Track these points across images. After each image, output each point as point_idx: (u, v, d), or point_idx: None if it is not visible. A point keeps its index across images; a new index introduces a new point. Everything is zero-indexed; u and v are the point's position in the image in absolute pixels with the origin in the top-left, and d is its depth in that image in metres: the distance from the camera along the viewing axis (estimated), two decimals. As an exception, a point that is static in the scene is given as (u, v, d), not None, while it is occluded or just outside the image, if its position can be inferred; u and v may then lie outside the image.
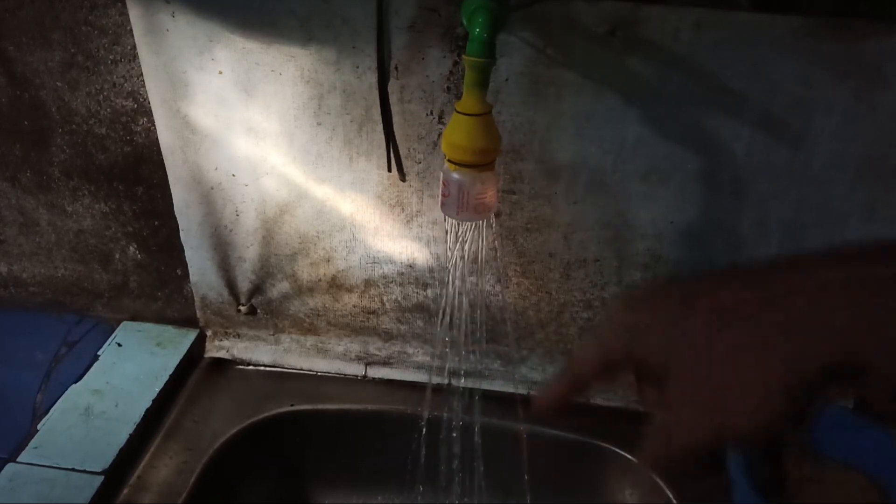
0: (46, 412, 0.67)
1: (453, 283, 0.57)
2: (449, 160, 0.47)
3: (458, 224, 0.52)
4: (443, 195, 0.49)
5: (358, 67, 0.57)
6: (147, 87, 0.61)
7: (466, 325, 0.63)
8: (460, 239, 0.53)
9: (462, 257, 0.54)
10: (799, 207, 0.59)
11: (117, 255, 0.75)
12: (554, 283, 0.66)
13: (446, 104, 0.57)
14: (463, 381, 0.73)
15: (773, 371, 0.26)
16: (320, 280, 0.71)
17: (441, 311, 0.60)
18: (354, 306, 0.72)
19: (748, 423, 0.27)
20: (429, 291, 0.69)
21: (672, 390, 0.28)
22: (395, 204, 0.64)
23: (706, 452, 0.30)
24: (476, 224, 0.53)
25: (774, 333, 0.25)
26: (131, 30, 0.59)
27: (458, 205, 0.48)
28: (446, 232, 0.55)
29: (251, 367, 0.76)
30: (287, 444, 0.72)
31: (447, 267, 0.55)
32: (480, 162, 0.47)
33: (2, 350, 0.75)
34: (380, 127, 0.59)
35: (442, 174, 0.49)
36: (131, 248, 0.74)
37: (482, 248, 0.64)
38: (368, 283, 0.70)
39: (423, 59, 0.56)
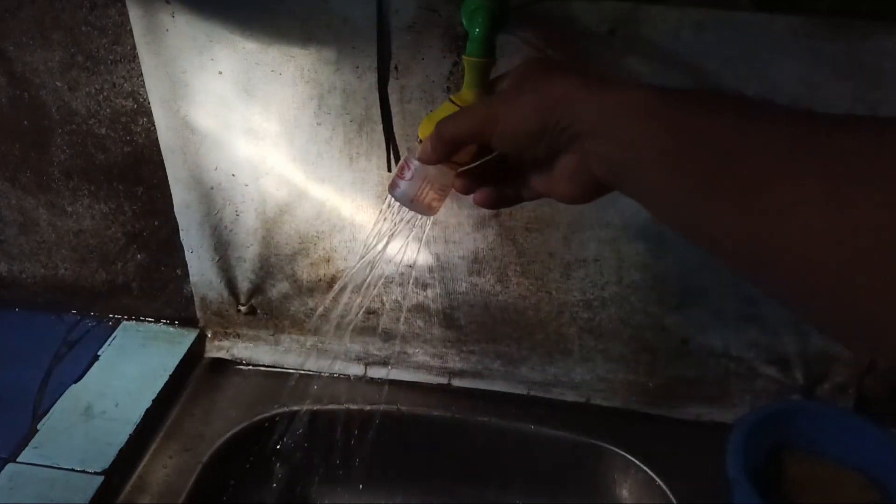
0: (46, 412, 0.67)
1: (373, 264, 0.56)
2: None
3: (398, 211, 0.49)
4: (398, 176, 0.46)
5: (358, 67, 0.57)
6: (147, 87, 0.61)
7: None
8: (393, 228, 0.51)
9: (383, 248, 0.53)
10: (799, 207, 0.59)
11: (117, 255, 0.75)
12: (554, 283, 0.66)
13: (446, 104, 0.57)
14: (463, 381, 0.74)
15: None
16: (320, 280, 0.71)
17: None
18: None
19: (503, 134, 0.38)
20: (429, 291, 0.69)
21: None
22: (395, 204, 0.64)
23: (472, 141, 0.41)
24: (416, 221, 0.50)
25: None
26: (131, 30, 0.59)
27: (416, 192, 0.45)
28: (380, 211, 0.52)
29: (251, 367, 0.77)
30: (287, 444, 0.72)
31: (367, 248, 0.54)
32: (460, 160, 0.44)
33: (2, 350, 0.75)
34: (380, 127, 0.59)
35: (407, 155, 0.46)
36: (131, 248, 0.75)
37: (466, 245, 0.64)
38: (369, 284, 0.70)
39: (423, 59, 0.56)
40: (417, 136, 0.45)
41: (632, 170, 0.33)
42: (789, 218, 0.25)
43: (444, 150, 0.42)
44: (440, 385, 0.74)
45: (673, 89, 0.33)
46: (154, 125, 0.64)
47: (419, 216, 0.49)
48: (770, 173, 0.27)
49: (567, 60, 0.41)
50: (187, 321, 0.78)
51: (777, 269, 0.27)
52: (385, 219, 0.51)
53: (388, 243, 0.52)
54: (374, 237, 0.52)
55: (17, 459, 0.62)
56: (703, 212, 0.30)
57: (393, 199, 0.47)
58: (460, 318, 0.70)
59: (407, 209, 0.47)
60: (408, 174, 0.45)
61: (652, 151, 0.31)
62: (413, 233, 0.52)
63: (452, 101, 0.45)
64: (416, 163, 0.45)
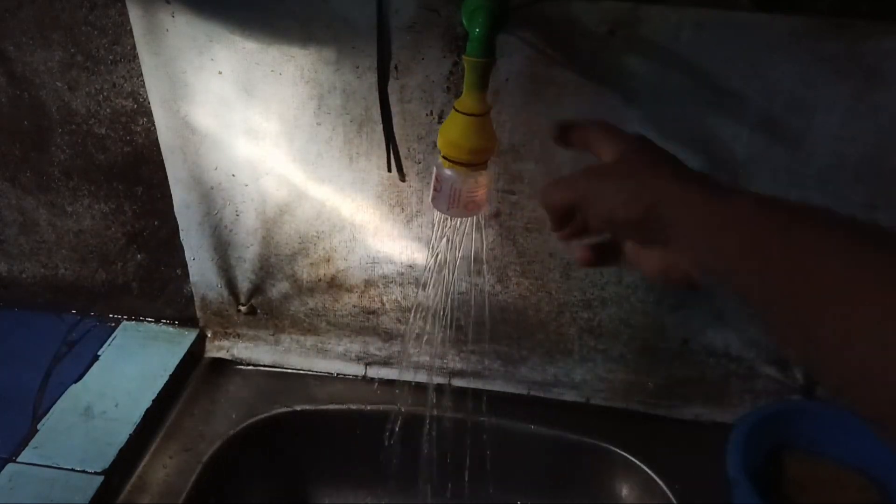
0: (46, 412, 0.67)
1: (437, 279, 0.56)
2: (443, 157, 0.47)
3: (447, 220, 0.52)
4: (434, 190, 0.49)
5: (358, 67, 0.57)
6: (147, 87, 0.61)
7: (452, 322, 0.63)
8: (446, 235, 0.53)
9: (448, 254, 0.53)
10: (799, 207, 0.59)
11: (117, 255, 0.75)
12: (554, 283, 0.66)
13: (446, 104, 0.57)
14: (463, 381, 0.74)
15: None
16: (320, 280, 0.71)
17: (418, 308, 0.59)
18: (354, 306, 0.72)
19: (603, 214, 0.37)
20: (429, 291, 0.69)
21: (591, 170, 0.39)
22: (395, 204, 0.64)
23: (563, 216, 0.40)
24: (464, 221, 0.52)
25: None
26: (131, 30, 0.59)
27: (448, 201, 0.48)
28: (433, 223, 0.54)
29: (251, 367, 0.77)
30: (287, 444, 0.72)
31: (428, 263, 0.54)
32: (475, 161, 0.47)
33: (2, 350, 0.75)
34: (380, 127, 0.59)
35: (435, 169, 0.48)
36: (131, 247, 0.75)
37: (477, 247, 0.64)
38: (368, 283, 0.70)
39: (423, 59, 0.56)
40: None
41: (721, 276, 0.33)
42: (860, 338, 0.26)
43: (556, 219, 0.40)
44: (440, 385, 0.74)
45: (768, 199, 0.32)
46: (154, 125, 0.64)
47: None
48: (845, 293, 0.27)
49: (668, 154, 0.39)
50: (187, 321, 0.78)
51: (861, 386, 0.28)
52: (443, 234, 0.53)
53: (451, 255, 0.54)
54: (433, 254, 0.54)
55: (17, 459, 0.62)
56: (784, 323, 0.30)
57: (438, 213, 0.50)
58: (460, 318, 0.70)
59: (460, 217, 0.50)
60: (437, 185, 0.48)
61: (742, 265, 0.31)
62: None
63: (457, 110, 0.46)
64: (443, 172, 0.47)
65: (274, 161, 0.63)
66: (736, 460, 0.58)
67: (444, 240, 0.53)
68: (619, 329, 0.68)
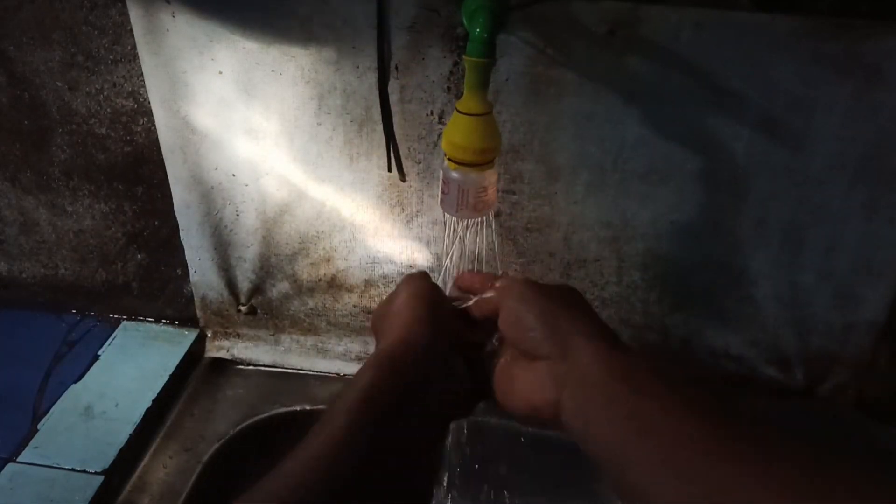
0: (46, 412, 0.67)
1: (449, 280, 0.57)
2: (449, 159, 0.47)
3: (457, 221, 0.52)
4: (442, 192, 0.49)
5: (358, 67, 0.57)
6: (147, 87, 0.61)
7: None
8: (458, 236, 0.53)
9: (460, 254, 0.53)
10: (799, 207, 0.59)
11: (117, 255, 0.75)
12: (554, 283, 0.66)
13: (446, 104, 0.58)
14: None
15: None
16: (320, 280, 0.71)
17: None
18: (354, 306, 0.72)
19: None
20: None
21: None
22: (395, 204, 0.64)
23: None
24: (475, 221, 0.53)
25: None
26: (131, 30, 0.59)
27: (457, 203, 0.48)
28: (444, 224, 0.55)
29: (251, 367, 0.76)
30: (287, 445, 0.72)
31: (443, 264, 0.54)
32: (480, 161, 0.47)
33: (2, 350, 0.75)
34: (380, 127, 0.59)
35: (442, 172, 0.49)
36: (131, 247, 0.75)
37: (480, 246, 0.64)
38: (368, 283, 0.70)
39: (423, 59, 0.56)
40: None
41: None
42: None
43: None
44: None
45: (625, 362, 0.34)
46: (154, 125, 0.64)
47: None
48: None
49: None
50: (187, 321, 0.78)
51: None
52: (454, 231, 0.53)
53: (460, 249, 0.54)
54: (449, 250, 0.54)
55: (17, 459, 0.62)
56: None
57: (448, 215, 0.50)
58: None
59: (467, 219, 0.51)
60: (445, 188, 0.48)
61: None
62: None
63: (459, 111, 0.46)
64: (450, 174, 0.47)
65: (274, 161, 0.63)
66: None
67: (457, 241, 0.53)
68: (620, 329, 0.68)
